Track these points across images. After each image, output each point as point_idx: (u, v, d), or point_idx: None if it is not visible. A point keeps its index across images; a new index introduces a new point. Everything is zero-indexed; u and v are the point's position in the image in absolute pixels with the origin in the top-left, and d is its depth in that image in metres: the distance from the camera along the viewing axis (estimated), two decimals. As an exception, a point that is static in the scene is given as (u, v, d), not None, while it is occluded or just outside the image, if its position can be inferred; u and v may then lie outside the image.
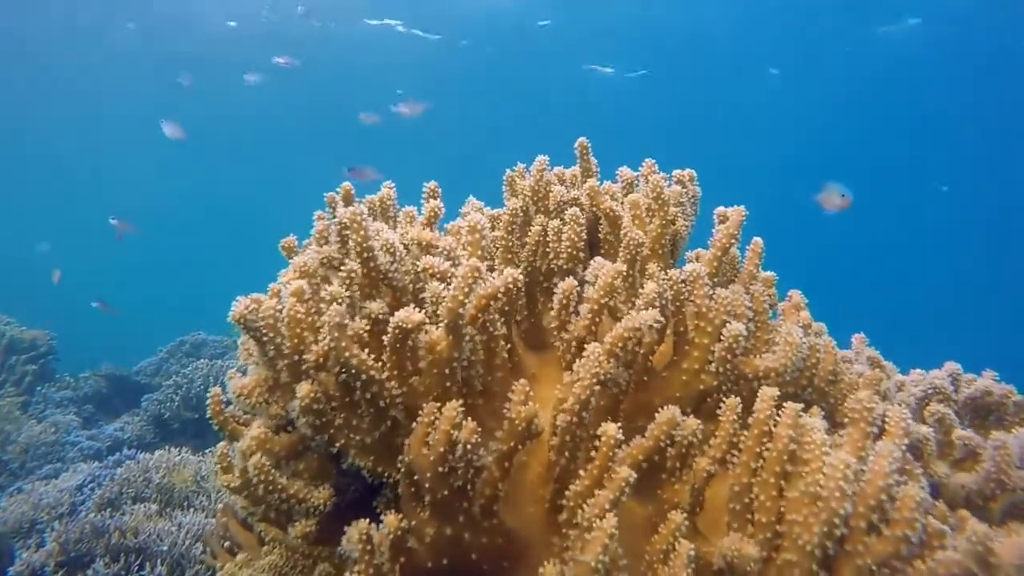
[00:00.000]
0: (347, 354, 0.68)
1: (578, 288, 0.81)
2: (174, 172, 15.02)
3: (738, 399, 0.72)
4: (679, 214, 0.96)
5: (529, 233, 0.91)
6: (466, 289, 0.69)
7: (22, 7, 9.26)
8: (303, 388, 0.70)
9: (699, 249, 1.00)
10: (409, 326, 0.69)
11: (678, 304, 0.81)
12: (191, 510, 2.20)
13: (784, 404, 0.68)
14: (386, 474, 0.73)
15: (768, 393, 0.69)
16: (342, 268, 0.76)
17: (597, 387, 0.67)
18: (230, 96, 11.49)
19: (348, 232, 0.76)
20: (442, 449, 0.66)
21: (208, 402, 0.85)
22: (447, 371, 0.72)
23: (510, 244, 0.91)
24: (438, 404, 0.68)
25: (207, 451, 2.72)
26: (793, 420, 0.66)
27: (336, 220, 0.78)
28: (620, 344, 0.71)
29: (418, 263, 0.80)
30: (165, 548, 1.92)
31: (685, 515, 0.66)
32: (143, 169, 15.07)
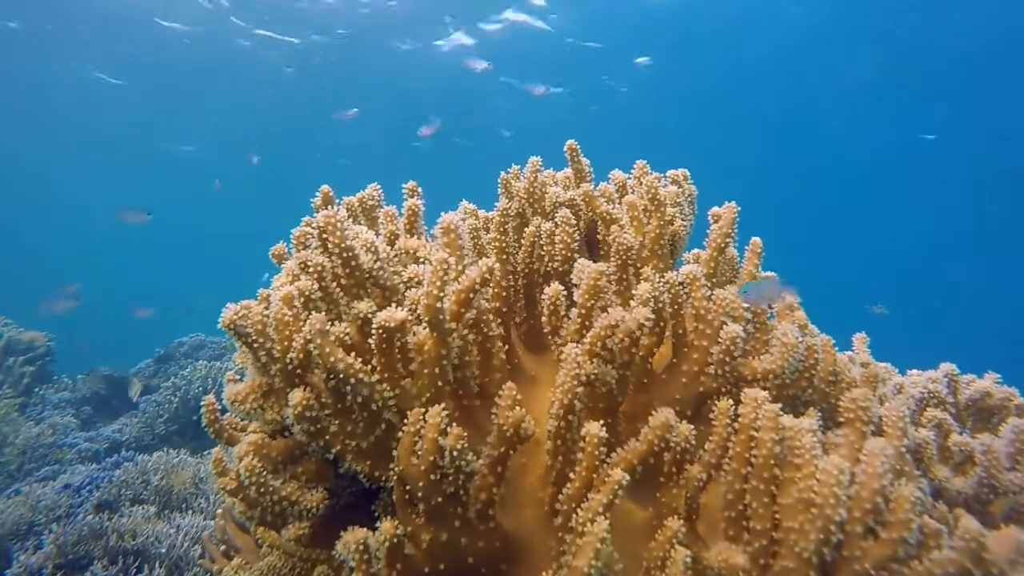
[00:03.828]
0: (332, 359, 0.68)
1: (565, 293, 0.81)
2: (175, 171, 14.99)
3: (731, 402, 0.71)
4: (677, 214, 0.96)
5: (525, 235, 0.91)
6: (438, 283, 0.68)
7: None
8: (295, 396, 0.69)
9: (696, 250, 0.99)
10: (392, 324, 0.68)
11: (676, 306, 0.80)
12: (189, 512, 2.19)
13: (765, 406, 0.66)
14: (383, 478, 0.73)
15: (752, 396, 0.68)
16: (308, 263, 0.75)
17: (580, 389, 0.66)
18: (235, 97, 11.49)
19: (326, 235, 0.76)
20: (431, 458, 0.65)
21: (203, 411, 0.85)
22: (437, 371, 0.71)
23: (505, 245, 0.90)
24: (423, 411, 0.67)
25: (205, 453, 2.72)
26: (774, 424, 0.65)
27: (314, 224, 0.77)
28: (599, 342, 0.70)
29: (404, 273, 0.79)
30: (163, 550, 1.92)
31: (683, 522, 0.66)
32: (144, 167, 15.05)
